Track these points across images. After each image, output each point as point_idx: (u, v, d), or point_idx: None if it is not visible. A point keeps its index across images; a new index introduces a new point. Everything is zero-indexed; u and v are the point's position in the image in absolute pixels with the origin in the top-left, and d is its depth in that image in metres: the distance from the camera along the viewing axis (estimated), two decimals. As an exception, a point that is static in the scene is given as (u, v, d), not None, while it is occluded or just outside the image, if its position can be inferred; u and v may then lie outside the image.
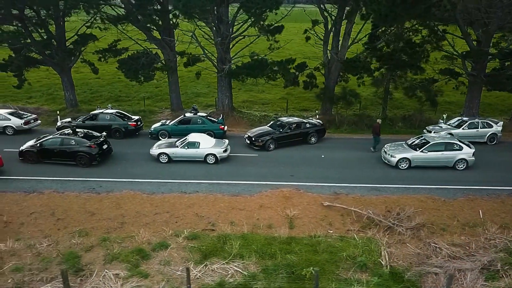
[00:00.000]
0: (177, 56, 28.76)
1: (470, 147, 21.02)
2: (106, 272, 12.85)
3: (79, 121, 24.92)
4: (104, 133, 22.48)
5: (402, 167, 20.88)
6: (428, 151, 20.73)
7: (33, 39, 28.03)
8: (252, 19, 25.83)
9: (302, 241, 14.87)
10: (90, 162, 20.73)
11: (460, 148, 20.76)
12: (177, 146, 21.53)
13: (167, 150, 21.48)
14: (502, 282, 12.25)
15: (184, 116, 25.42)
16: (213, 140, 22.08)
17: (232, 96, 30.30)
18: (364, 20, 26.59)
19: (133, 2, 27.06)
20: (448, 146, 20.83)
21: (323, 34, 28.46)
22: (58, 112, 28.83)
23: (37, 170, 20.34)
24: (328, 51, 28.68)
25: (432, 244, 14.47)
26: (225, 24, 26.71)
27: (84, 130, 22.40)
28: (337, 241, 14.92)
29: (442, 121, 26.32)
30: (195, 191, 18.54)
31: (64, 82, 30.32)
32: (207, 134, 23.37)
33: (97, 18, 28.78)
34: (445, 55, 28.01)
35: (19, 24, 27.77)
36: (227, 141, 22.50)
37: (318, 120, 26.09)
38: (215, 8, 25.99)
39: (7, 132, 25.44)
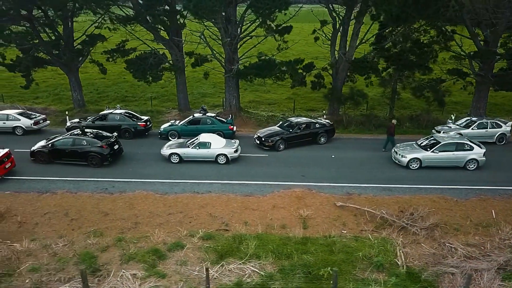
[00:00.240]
0: (185, 56, 28.78)
1: (481, 147, 21.00)
2: (123, 272, 12.88)
3: (89, 121, 24.97)
4: (116, 133, 22.53)
5: (413, 167, 20.89)
6: (439, 151, 20.74)
7: (41, 40, 28.11)
8: (260, 20, 25.83)
9: (318, 241, 14.89)
10: (102, 163, 20.79)
11: (471, 148, 20.77)
12: (188, 147, 21.57)
13: (178, 150, 21.52)
14: (519, 282, 12.29)
15: (194, 116, 25.45)
16: (223, 141, 22.11)
17: (239, 97, 30.32)
18: (373, 20, 26.57)
19: (141, 2, 27.11)
20: (459, 146, 20.83)
21: (331, 34, 28.50)
22: (66, 112, 28.88)
23: (49, 170, 20.41)
24: (336, 51, 28.71)
25: (447, 244, 14.49)
26: (233, 24, 26.73)
27: (94, 130, 22.46)
28: (352, 241, 14.95)
29: (450, 121, 26.27)
30: (207, 191, 18.59)
31: (71, 82, 30.36)
32: (216, 134, 23.41)
33: (106, 18, 28.80)
34: (453, 55, 28.03)
35: (27, 25, 27.81)
36: (237, 141, 22.53)
37: (327, 120, 26.10)
38: (223, 8, 26.02)
39: (16, 132, 25.48)
